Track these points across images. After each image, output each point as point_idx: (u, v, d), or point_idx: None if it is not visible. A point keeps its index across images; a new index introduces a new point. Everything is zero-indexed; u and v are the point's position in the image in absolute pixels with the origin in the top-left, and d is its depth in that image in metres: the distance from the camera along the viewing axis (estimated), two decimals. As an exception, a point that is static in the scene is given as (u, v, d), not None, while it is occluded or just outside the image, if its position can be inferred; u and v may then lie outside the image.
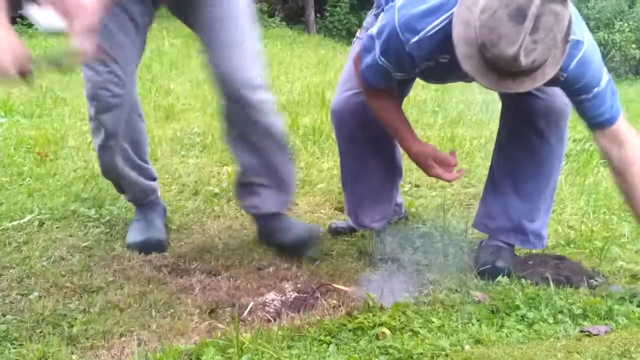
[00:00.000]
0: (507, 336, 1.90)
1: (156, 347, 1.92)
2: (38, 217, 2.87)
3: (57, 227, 2.80)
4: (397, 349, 1.78)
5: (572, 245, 2.85)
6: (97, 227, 2.83)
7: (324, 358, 1.79)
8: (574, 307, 2.09)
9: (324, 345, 1.87)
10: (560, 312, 2.08)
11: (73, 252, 2.59)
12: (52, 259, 2.52)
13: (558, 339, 1.88)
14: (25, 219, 2.85)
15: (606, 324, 2.00)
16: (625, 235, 3.01)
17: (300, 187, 3.49)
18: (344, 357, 1.77)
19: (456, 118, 5.25)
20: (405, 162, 2.76)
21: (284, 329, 1.97)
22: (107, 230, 2.81)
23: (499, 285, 2.34)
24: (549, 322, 2.00)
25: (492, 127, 5.04)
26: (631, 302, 2.15)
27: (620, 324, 2.01)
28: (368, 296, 2.12)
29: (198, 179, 3.50)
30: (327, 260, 2.62)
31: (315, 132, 4.42)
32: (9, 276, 2.39)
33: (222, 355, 1.81)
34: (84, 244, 2.66)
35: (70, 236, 2.74)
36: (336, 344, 1.87)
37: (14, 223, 2.82)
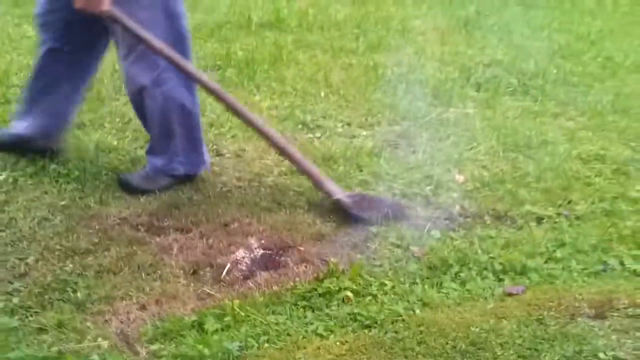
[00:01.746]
0: (446, 297, 2.33)
1: (160, 314, 2.27)
2: (12, 174, 3.08)
3: (31, 185, 3.02)
4: (364, 316, 2.20)
5: (486, 188, 3.17)
6: (69, 184, 3.06)
7: (306, 325, 2.19)
8: (495, 263, 2.53)
9: (301, 310, 2.27)
10: (485, 268, 2.51)
11: (54, 212, 2.84)
12: (36, 220, 2.78)
13: (486, 298, 2.33)
14: (1, 177, 3.06)
15: (522, 283, 2.46)
16: (529, 174, 3.31)
17: (245, 130, 3.64)
18: (323, 325, 2.18)
19: (376, 42, 5.47)
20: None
21: (265, 295, 2.35)
22: (79, 186, 3.04)
23: (431, 238, 2.75)
24: (476, 281, 2.44)
25: (410, 51, 5.33)
26: (541, 255, 2.62)
27: (533, 280, 2.45)
28: (329, 260, 2.51)
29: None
30: (281, 211, 2.95)
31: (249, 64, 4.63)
32: (2, 240, 2.65)
33: (220, 324, 2.19)
34: (62, 203, 2.91)
35: (46, 194, 2.98)
36: (312, 309, 2.27)
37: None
